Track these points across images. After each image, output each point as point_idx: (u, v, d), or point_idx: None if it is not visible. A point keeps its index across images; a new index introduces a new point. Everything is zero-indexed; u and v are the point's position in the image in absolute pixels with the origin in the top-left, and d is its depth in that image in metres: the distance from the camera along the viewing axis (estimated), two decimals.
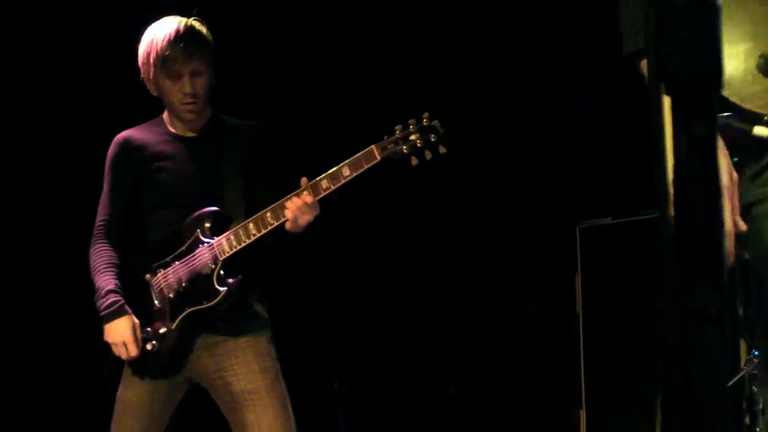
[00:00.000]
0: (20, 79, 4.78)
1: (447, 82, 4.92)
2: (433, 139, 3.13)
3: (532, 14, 4.80)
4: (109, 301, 3.22)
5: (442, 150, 3.15)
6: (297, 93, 4.96)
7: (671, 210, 1.26)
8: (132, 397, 3.28)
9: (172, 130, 3.39)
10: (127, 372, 3.31)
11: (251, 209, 3.27)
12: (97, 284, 3.27)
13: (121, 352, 3.20)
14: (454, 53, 4.94)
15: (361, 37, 4.94)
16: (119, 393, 3.32)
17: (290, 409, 3.27)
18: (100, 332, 3.30)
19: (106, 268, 3.28)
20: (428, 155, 3.14)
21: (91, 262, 3.32)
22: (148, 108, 3.46)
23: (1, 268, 4.86)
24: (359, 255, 5.03)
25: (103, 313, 3.23)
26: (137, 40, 3.36)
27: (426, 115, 3.15)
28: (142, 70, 3.35)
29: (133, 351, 3.19)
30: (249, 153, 3.36)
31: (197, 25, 3.32)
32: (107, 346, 3.31)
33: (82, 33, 4.73)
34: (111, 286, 3.24)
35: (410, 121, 3.15)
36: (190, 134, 3.39)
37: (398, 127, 3.16)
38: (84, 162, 4.60)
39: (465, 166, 4.95)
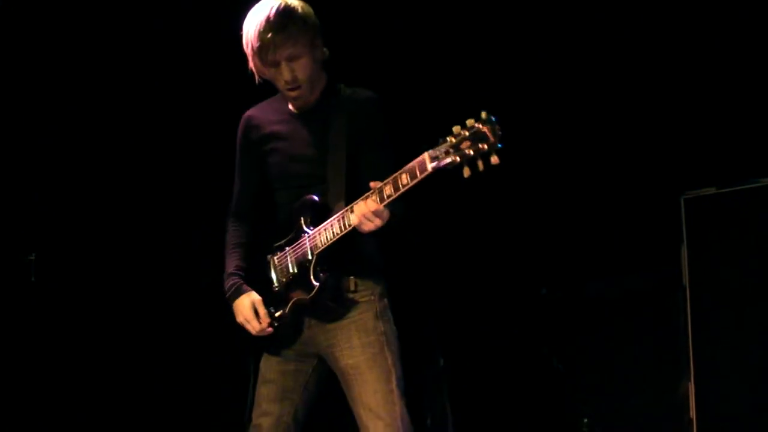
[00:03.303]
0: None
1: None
2: (484, 148, 2.79)
3: None
4: (228, 284, 3.38)
5: (494, 161, 2.79)
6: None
7: None
8: (266, 369, 3.38)
9: (290, 107, 3.39)
10: (261, 345, 3.42)
11: (355, 191, 3.20)
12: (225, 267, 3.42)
13: (248, 329, 3.32)
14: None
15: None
16: (261, 363, 3.41)
17: (394, 383, 3.23)
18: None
19: (232, 249, 3.43)
20: (480, 166, 2.81)
21: (226, 241, 3.46)
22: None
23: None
24: (461, 231, 5.01)
25: (227, 296, 3.37)
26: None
27: (472, 120, 2.82)
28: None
29: (256, 326, 3.30)
30: (357, 126, 3.28)
31: (289, 6, 3.21)
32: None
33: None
34: (230, 269, 3.39)
35: (468, 122, 2.84)
36: (305, 110, 3.37)
37: (456, 128, 2.86)
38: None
39: (568, 137, 4.90)
